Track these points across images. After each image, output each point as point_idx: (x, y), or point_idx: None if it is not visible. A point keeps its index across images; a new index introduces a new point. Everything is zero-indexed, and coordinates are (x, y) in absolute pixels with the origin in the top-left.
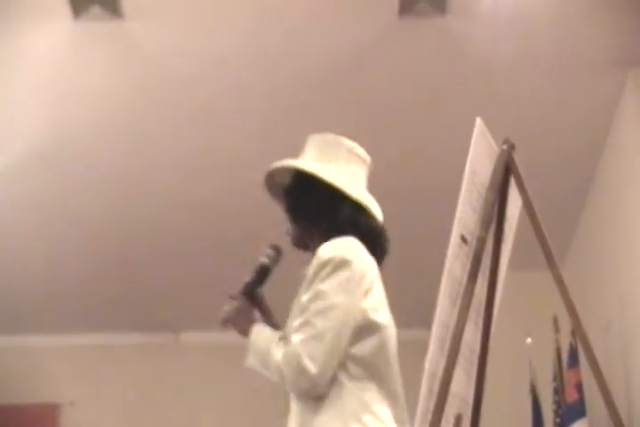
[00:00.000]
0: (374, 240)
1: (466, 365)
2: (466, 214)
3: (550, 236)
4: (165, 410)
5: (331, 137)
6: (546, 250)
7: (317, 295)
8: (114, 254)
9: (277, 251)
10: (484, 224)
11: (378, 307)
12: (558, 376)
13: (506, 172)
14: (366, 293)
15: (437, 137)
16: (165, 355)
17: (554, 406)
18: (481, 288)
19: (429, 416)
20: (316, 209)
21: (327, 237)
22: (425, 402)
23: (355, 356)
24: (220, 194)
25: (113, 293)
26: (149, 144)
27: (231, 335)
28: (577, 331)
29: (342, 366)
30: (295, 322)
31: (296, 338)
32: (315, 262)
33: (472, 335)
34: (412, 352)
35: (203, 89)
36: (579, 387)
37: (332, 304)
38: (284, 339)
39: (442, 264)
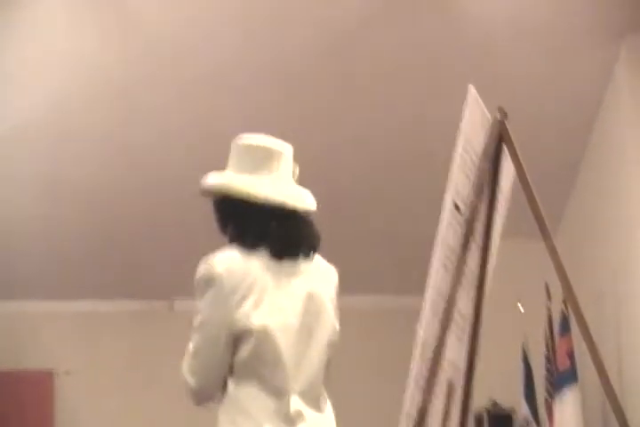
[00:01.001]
0: (286, 244)
1: (458, 332)
2: (459, 182)
3: (543, 205)
4: (159, 378)
5: (245, 142)
6: (539, 219)
7: (196, 312)
8: (110, 222)
9: None
10: (477, 192)
11: (250, 313)
12: (550, 344)
13: (499, 140)
14: (239, 303)
15: (435, 107)
16: (160, 323)
17: (546, 374)
18: (474, 255)
19: (422, 382)
20: (224, 222)
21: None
22: (417, 368)
23: (237, 362)
24: (215, 168)
25: (109, 260)
26: (146, 116)
27: None
28: (568, 299)
29: (230, 373)
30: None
31: (185, 355)
32: (195, 278)
33: (464, 302)
34: (405, 319)
35: (196, 62)
36: (570, 354)
37: (203, 321)
38: None
39: (435, 231)
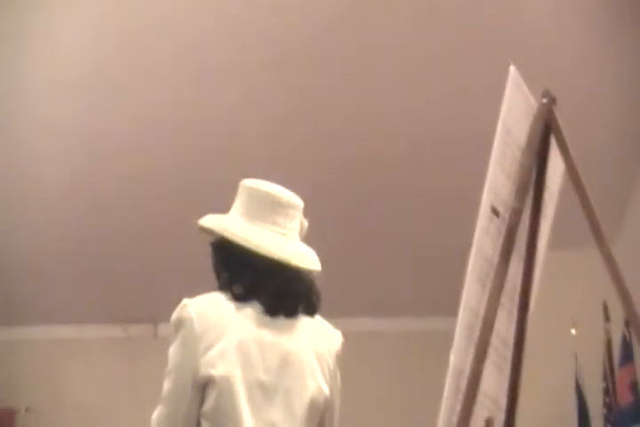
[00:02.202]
0: (282, 301)
1: (498, 360)
2: (498, 182)
3: (599, 207)
4: (141, 415)
5: (255, 187)
6: (594, 224)
7: (168, 359)
8: (87, 241)
9: None
10: (520, 193)
11: (215, 361)
12: (609, 374)
13: (546, 130)
14: (206, 349)
15: (468, 95)
16: (142, 350)
17: (604, 410)
18: (515, 269)
19: (455, 419)
20: (220, 267)
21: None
22: (450, 402)
23: (203, 413)
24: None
25: (83, 280)
26: (128, 102)
27: None
28: (631, 320)
29: (198, 424)
30: None
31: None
32: None
33: (505, 325)
34: (436, 343)
35: (186, 39)
36: (633, 387)
37: (170, 368)
38: None
39: (469, 241)
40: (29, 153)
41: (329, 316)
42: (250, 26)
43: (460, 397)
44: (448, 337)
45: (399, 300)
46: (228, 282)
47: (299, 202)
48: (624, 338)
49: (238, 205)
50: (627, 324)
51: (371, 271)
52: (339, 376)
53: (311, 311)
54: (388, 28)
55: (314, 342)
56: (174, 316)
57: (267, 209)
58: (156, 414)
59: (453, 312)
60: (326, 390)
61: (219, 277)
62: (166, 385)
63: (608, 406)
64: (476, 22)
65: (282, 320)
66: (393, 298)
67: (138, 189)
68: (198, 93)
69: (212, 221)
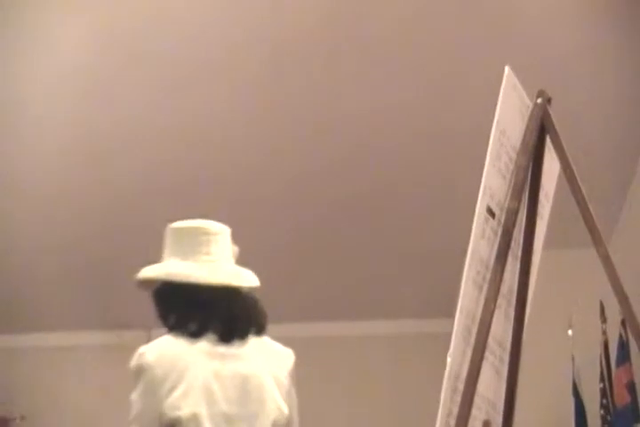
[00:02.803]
0: (235, 326)
1: (495, 362)
2: (493, 182)
3: (594, 206)
4: None
5: (179, 226)
6: (589, 224)
7: (129, 404)
8: (78, 244)
9: None
10: (515, 193)
11: (180, 403)
12: (606, 375)
13: (541, 130)
14: (169, 392)
15: (465, 96)
16: (131, 357)
17: (601, 411)
18: (512, 271)
19: (452, 422)
20: (166, 311)
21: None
22: (447, 404)
23: None
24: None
25: (76, 286)
26: (125, 99)
27: None
28: (628, 320)
29: None
30: None
31: None
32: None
33: (502, 327)
34: (433, 345)
35: (182, 38)
36: (631, 388)
37: (134, 413)
38: None
39: (466, 243)
40: (26, 152)
41: (327, 319)
42: (243, 23)
43: (458, 399)
44: (445, 339)
45: (396, 302)
46: (180, 322)
47: (222, 228)
48: (621, 338)
49: (167, 249)
50: (623, 324)
51: (367, 274)
52: (294, 393)
53: (260, 332)
54: (382, 23)
55: (268, 363)
56: (133, 364)
57: (198, 243)
58: None
59: (450, 314)
60: (286, 410)
61: (166, 320)
62: None
63: (605, 407)
64: (472, 20)
65: (235, 346)
66: (390, 300)
67: (134, 192)
68: (194, 91)
69: (151, 271)
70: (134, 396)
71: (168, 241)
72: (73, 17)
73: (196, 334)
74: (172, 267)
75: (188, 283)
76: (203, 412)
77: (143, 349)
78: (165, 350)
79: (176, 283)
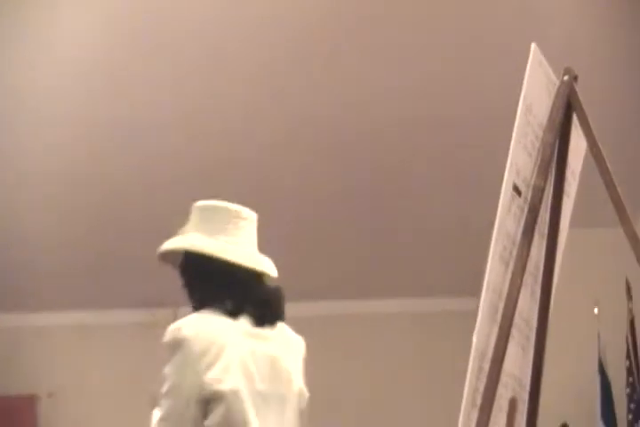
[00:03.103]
0: (268, 310)
1: (521, 339)
2: (519, 160)
3: (621, 184)
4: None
5: (211, 205)
6: (616, 201)
7: (164, 378)
8: (105, 224)
9: None
10: (542, 171)
11: (222, 377)
12: (632, 353)
13: (567, 108)
14: (209, 366)
15: (492, 75)
16: (162, 334)
17: (627, 390)
18: (538, 248)
19: (478, 399)
20: (199, 286)
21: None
22: (473, 382)
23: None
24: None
25: (102, 265)
26: (132, 89)
27: None
28: None
29: None
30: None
31: (154, 420)
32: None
33: (528, 305)
34: (459, 324)
35: (189, 28)
36: None
37: (171, 386)
38: None
39: (491, 221)
40: (33, 142)
41: (353, 298)
42: (253, 17)
43: (484, 377)
44: (471, 318)
45: (422, 281)
46: (216, 298)
47: (252, 214)
48: None
49: (202, 225)
50: None
51: (393, 253)
52: None
53: (282, 318)
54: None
55: (289, 349)
56: (169, 338)
57: (223, 221)
58: None
59: (475, 293)
60: (307, 393)
61: (197, 293)
62: (167, 404)
63: (631, 385)
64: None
65: (265, 329)
66: (416, 279)
67: (152, 170)
68: (203, 80)
69: (187, 243)
70: (170, 369)
71: (199, 217)
72: (73, 10)
73: (233, 313)
74: (204, 241)
75: (225, 260)
76: (243, 388)
77: (180, 323)
78: (205, 326)
79: (213, 258)
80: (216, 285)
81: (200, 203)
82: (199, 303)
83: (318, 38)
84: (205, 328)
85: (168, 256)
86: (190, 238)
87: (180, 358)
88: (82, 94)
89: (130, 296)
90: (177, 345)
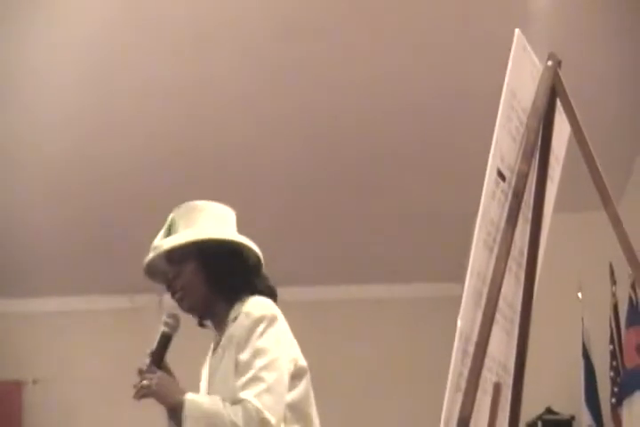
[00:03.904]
0: (271, 293)
1: (505, 324)
2: (503, 145)
3: (604, 168)
4: None
5: (205, 203)
6: (599, 185)
7: (259, 352)
8: (87, 207)
9: (176, 319)
10: (526, 156)
11: (300, 355)
12: (616, 337)
13: (552, 93)
14: (292, 343)
15: (476, 60)
16: (146, 320)
17: (611, 373)
18: (522, 233)
19: (462, 383)
20: (225, 273)
21: (232, 298)
22: (458, 367)
23: (289, 402)
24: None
25: (85, 250)
26: (133, 69)
27: None
28: (638, 282)
29: None
30: (240, 380)
31: (248, 394)
32: (246, 321)
33: (513, 290)
34: (443, 309)
35: (192, 8)
36: None
37: (273, 358)
38: (227, 400)
39: (476, 206)
40: (30, 123)
41: (339, 283)
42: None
43: (468, 362)
44: (456, 303)
45: (406, 266)
46: (260, 286)
47: (230, 211)
48: (630, 300)
49: (205, 221)
50: (633, 286)
51: (378, 238)
52: None
53: None
54: None
55: None
56: (266, 311)
57: (228, 220)
58: (266, 402)
59: (461, 278)
60: None
61: (225, 285)
62: (272, 376)
63: (615, 369)
64: None
65: None
66: (400, 264)
67: (141, 159)
68: (203, 61)
69: (196, 235)
70: (267, 343)
71: (200, 215)
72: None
73: (274, 296)
74: (219, 232)
75: (246, 246)
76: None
77: (261, 301)
78: (275, 307)
79: (234, 244)
80: (244, 271)
81: (192, 203)
82: (233, 292)
83: (306, 25)
84: (278, 310)
85: (155, 268)
86: (197, 232)
87: (275, 332)
88: (75, 77)
89: (115, 282)
90: (271, 320)
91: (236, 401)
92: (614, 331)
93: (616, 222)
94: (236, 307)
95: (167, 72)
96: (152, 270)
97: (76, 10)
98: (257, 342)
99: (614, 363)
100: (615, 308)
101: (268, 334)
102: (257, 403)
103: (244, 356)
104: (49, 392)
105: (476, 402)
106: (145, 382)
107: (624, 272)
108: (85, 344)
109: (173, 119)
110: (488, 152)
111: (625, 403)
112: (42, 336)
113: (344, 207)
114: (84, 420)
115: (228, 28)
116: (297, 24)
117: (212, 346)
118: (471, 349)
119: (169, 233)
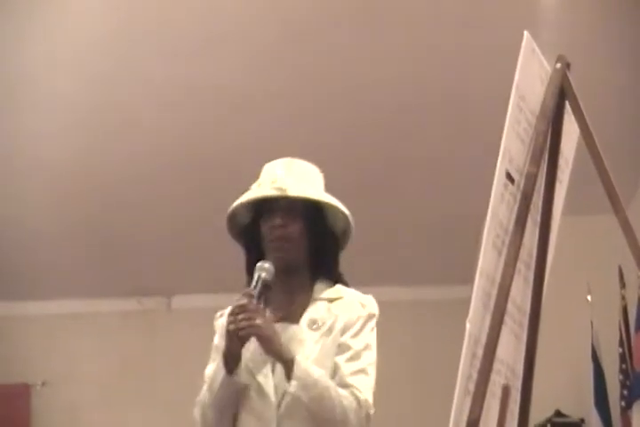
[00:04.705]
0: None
1: (514, 327)
2: (512, 147)
3: (614, 172)
4: (153, 388)
5: (302, 163)
6: (609, 189)
7: (368, 347)
8: (97, 211)
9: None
10: (535, 159)
11: None
12: (625, 340)
13: (560, 95)
14: None
15: (484, 63)
16: (156, 323)
17: (620, 376)
18: (531, 236)
19: (471, 386)
20: (325, 241)
21: (321, 269)
22: (466, 370)
23: None
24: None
25: (94, 253)
26: (133, 76)
27: (229, 299)
28: None
29: None
30: (350, 366)
31: (362, 386)
32: (362, 312)
33: (521, 292)
34: (452, 311)
35: (198, 10)
36: None
37: (375, 358)
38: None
39: (485, 209)
40: (30, 130)
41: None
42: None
43: (477, 364)
44: (464, 306)
45: (415, 268)
46: (337, 267)
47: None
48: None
49: (319, 184)
50: None
51: (387, 241)
52: None
53: None
54: None
55: None
56: (377, 311)
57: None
58: (369, 399)
59: (470, 280)
60: None
61: (335, 263)
62: (373, 373)
63: (624, 372)
64: None
65: None
66: (409, 267)
67: (142, 166)
68: (208, 66)
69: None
70: (374, 343)
71: (313, 174)
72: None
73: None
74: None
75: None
76: None
77: (374, 299)
78: None
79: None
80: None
81: (284, 162)
82: (323, 264)
83: (310, 29)
84: None
85: (236, 223)
86: (320, 193)
87: (375, 336)
88: (75, 85)
89: (123, 285)
90: (376, 324)
91: (343, 385)
92: (623, 334)
93: (625, 226)
94: (325, 285)
95: (168, 79)
96: (235, 214)
97: (75, 18)
98: (368, 337)
99: (624, 366)
100: (624, 311)
101: (375, 335)
102: (369, 399)
103: (354, 343)
104: (57, 395)
105: (485, 405)
106: (258, 320)
107: (633, 275)
108: (93, 347)
109: (175, 126)
110: (497, 155)
111: (635, 406)
112: (50, 339)
113: (351, 210)
114: (91, 422)
115: (231, 33)
116: (301, 28)
117: (268, 309)
118: (480, 351)
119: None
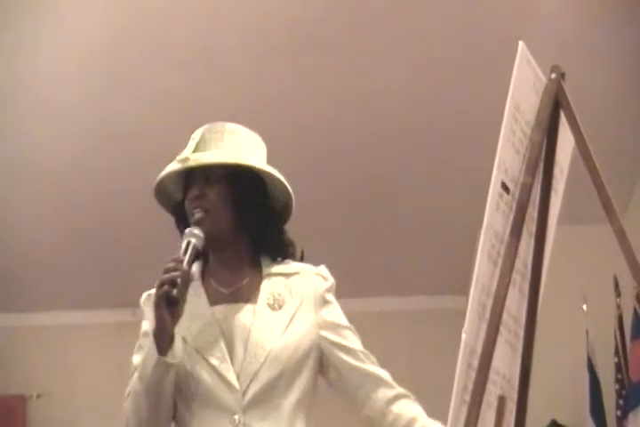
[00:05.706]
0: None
1: (509, 337)
2: (507, 158)
3: (609, 181)
4: None
5: (232, 126)
6: (604, 198)
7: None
8: (91, 223)
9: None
10: (530, 169)
11: None
12: (621, 349)
13: (555, 105)
14: None
15: (478, 72)
16: None
17: (616, 386)
18: (526, 246)
19: (467, 397)
20: (255, 206)
21: (260, 240)
22: (462, 380)
23: None
24: None
25: (89, 264)
26: (135, 84)
27: None
28: None
29: None
30: (358, 345)
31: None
32: (326, 284)
33: (517, 302)
34: (448, 321)
35: (197, 20)
36: None
37: None
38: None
39: (480, 219)
40: (29, 139)
41: (342, 297)
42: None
43: (473, 375)
44: (460, 316)
45: (410, 278)
46: (284, 237)
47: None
48: (635, 312)
49: (246, 147)
50: (638, 298)
51: (382, 251)
52: None
53: None
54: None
55: None
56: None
57: (262, 153)
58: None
59: (465, 291)
60: None
61: (262, 220)
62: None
63: (620, 382)
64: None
65: None
66: (404, 277)
67: (142, 174)
68: (209, 74)
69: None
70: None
71: (237, 136)
72: (76, 5)
73: None
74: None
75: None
76: None
77: None
78: None
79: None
80: (274, 212)
81: (209, 126)
82: (261, 233)
83: (310, 40)
84: None
85: (163, 187)
86: (236, 155)
87: None
88: (75, 91)
89: (117, 296)
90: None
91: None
92: (619, 343)
93: (620, 235)
94: (271, 260)
95: (169, 86)
96: (161, 189)
97: (76, 24)
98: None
99: (619, 375)
100: (620, 320)
101: None
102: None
103: (342, 319)
104: (53, 406)
105: (481, 416)
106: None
107: (629, 284)
108: (89, 358)
109: (175, 134)
110: (492, 165)
111: (630, 416)
112: (45, 350)
113: (346, 221)
114: None
115: (233, 43)
116: (301, 39)
117: (201, 290)
118: (476, 362)
119: (196, 149)
